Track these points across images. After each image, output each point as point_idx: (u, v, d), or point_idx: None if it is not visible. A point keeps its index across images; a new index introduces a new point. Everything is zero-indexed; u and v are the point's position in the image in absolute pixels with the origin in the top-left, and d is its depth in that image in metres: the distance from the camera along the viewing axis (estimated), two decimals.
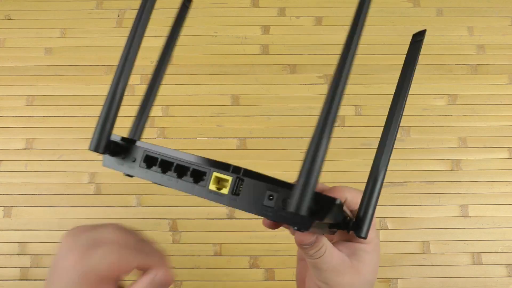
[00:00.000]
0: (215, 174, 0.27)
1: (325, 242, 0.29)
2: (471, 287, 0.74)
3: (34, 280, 0.75)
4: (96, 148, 0.28)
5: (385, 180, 0.85)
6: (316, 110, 0.83)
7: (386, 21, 0.89)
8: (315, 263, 0.29)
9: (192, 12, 0.90)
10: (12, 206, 0.78)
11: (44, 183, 0.79)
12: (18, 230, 0.77)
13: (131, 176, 0.29)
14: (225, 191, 0.27)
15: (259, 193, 0.26)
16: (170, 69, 0.85)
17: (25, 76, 0.85)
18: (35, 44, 0.87)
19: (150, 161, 0.29)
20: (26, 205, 0.78)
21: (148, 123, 0.82)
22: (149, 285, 0.28)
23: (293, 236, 0.30)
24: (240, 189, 0.26)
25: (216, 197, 0.27)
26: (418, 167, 0.80)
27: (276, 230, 0.33)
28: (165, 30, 0.97)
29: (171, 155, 0.28)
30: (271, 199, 0.26)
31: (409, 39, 0.95)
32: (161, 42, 0.95)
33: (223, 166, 0.27)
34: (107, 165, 0.29)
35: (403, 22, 0.89)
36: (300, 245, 0.28)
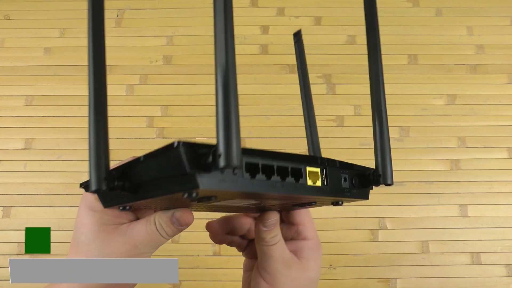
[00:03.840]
0: (308, 169, 0.27)
1: (280, 233, 0.33)
2: (470, 287, 0.75)
3: (36, 282, 0.75)
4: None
5: None
6: (315, 109, 0.83)
7: (385, 20, 0.89)
8: (269, 250, 0.32)
9: (191, 12, 0.90)
10: (11, 206, 0.78)
11: (44, 183, 0.79)
12: (17, 230, 0.77)
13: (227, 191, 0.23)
14: (319, 183, 0.27)
15: (338, 178, 0.29)
16: (169, 69, 0.86)
17: (24, 76, 0.85)
18: (34, 44, 0.87)
19: (252, 169, 0.24)
20: (25, 205, 0.78)
21: (146, 123, 0.83)
22: (167, 218, 0.29)
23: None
24: (328, 178, 0.28)
25: (314, 191, 0.27)
26: (417, 167, 0.80)
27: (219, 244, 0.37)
28: (164, 30, 0.98)
29: (267, 157, 0.25)
30: (345, 181, 0.29)
31: (408, 39, 0.96)
32: (160, 42, 0.95)
33: (311, 160, 0.27)
34: (207, 186, 0.22)
35: (403, 22, 0.89)
36: (264, 224, 0.32)
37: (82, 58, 0.85)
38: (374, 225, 0.77)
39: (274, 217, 0.32)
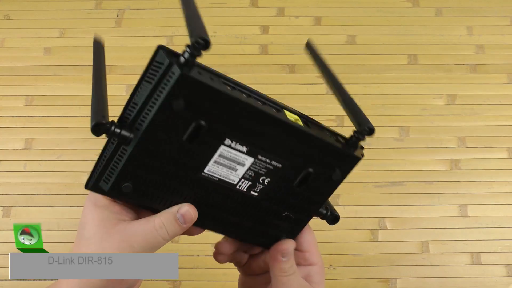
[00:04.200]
0: (286, 112, 0.31)
1: (294, 262, 0.34)
2: (470, 287, 0.75)
3: (34, 280, 0.75)
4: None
5: (384, 180, 0.85)
6: (315, 109, 0.83)
7: (385, 20, 0.89)
8: (288, 280, 0.33)
9: None
10: (11, 206, 0.78)
11: (43, 183, 0.79)
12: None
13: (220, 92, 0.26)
14: (300, 123, 0.30)
15: (321, 130, 0.32)
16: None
17: (24, 76, 0.85)
18: (34, 44, 0.87)
19: (231, 85, 0.28)
20: (25, 205, 0.78)
21: None
22: (172, 216, 0.29)
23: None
24: (310, 125, 0.31)
25: (296, 124, 0.30)
26: (417, 167, 0.80)
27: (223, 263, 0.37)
28: (164, 30, 0.97)
29: (247, 88, 0.29)
30: (330, 136, 0.32)
31: (408, 39, 0.95)
32: (160, 42, 0.95)
33: (291, 110, 0.31)
34: (188, 74, 0.25)
35: (402, 21, 0.89)
36: (283, 254, 0.33)
37: (82, 58, 0.85)
38: (374, 225, 0.77)
39: (291, 246, 0.34)
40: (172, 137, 0.27)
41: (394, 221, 0.78)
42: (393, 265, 0.75)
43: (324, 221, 0.38)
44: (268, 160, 0.30)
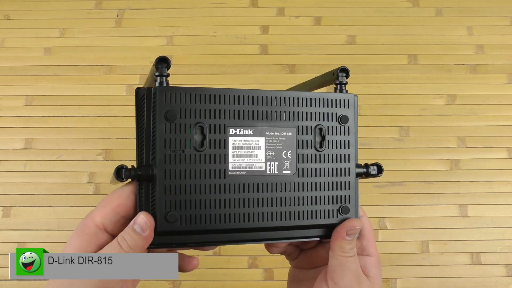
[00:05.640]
0: None
1: (355, 245, 0.33)
2: (470, 287, 0.75)
3: (33, 280, 0.75)
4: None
5: (384, 180, 0.85)
6: None
7: (385, 21, 0.89)
8: (346, 261, 0.32)
9: (191, 12, 0.90)
10: (11, 206, 0.78)
11: (43, 183, 0.79)
12: (17, 230, 0.77)
13: None
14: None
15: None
16: (169, 69, 0.85)
17: (24, 76, 0.85)
18: (34, 44, 0.87)
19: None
20: (25, 205, 0.78)
21: None
22: (129, 228, 0.29)
23: None
24: None
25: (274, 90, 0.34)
26: (417, 167, 0.80)
27: (275, 254, 0.37)
28: (164, 30, 0.97)
29: None
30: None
31: (408, 39, 0.95)
32: (160, 42, 0.95)
33: None
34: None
35: (402, 22, 0.89)
36: (349, 231, 0.32)
37: (82, 58, 0.85)
38: (374, 225, 0.77)
39: (359, 224, 0.33)
40: (185, 149, 0.30)
41: (394, 221, 0.78)
42: (393, 265, 0.76)
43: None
44: (277, 133, 0.32)
